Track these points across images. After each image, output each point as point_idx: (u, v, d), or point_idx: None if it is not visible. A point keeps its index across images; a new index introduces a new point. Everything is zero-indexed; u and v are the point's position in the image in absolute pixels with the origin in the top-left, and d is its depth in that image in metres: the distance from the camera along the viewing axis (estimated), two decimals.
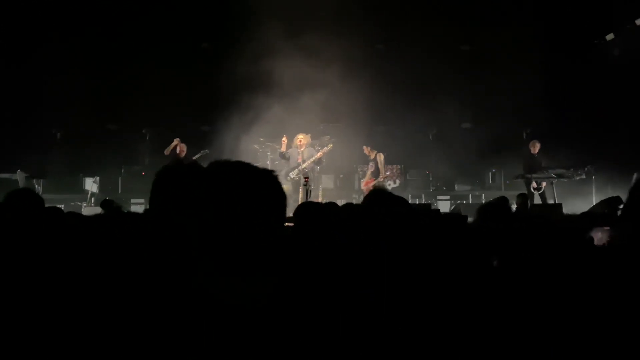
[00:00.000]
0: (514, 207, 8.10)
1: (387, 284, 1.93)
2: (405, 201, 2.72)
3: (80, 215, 3.44)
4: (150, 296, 1.13)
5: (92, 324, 1.11)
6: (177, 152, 10.99)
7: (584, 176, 10.89)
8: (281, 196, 1.15)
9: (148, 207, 1.27)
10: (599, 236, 2.43)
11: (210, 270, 1.08)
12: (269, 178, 1.14)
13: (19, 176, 11.20)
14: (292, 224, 2.61)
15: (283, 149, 10.28)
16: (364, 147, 11.11)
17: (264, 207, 1.11)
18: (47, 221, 2.69)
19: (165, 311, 1.07)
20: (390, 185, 12.36)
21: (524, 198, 8.68)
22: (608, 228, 2.35)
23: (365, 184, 10.86)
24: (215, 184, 1.11)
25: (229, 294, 1.07)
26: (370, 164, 11.00)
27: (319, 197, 10.38)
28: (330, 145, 10.72)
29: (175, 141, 11.02)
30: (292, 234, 2.51)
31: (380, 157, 10.89)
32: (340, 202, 5.48)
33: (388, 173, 11.38)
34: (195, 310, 1.06)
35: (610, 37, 12.44)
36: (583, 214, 4.15)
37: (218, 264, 1.07)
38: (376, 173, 10.88)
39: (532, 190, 10.69)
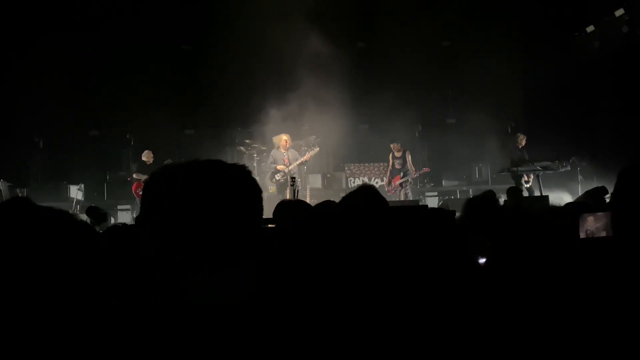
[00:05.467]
0: (501, 200, 8.02)
1: (376, 279, 1.91)
2: (384, 200, 2.71)
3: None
4: (133, 300, 1.11)
5: (69, 330, 1.10)
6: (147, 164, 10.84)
7: (569, 168, 10.96)
8: (254, 190, 1.13)
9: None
10: (590, 221, 2.43)
11: (184, 268, 1.06)
12: (240, 173, 1.12)
13: (2, 186, 11.03)
14: (272, 225, 2.60)
15: (283, 149, 10.17)
16: (394, 145, 11.08)
17: (235, 201, 1.09)
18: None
19: (145, 313, 1.05)
20: (377, 183, 12.38)
21: (517, 193, 8.38)
22: (600, 214, 2.35)
23: (395, 180, 10.98)
24: (185, 182, 1.09)
25: (203, 291, 1.06)
26: (396, 161, 11.02)
27: (307, 197, 10.36)
28: (317, 149, 10.68)
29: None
30: (274, 231, 2.50)
31: (409, 155, 11.02)
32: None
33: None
34: (172, 309, 1.04)
35: (590, 29, 12.55)
36: (568, 204, 4.16)
37: (190, 261, 1.06)
38: (404, 169, 10.95)
39: (524, 183, 10.69)
